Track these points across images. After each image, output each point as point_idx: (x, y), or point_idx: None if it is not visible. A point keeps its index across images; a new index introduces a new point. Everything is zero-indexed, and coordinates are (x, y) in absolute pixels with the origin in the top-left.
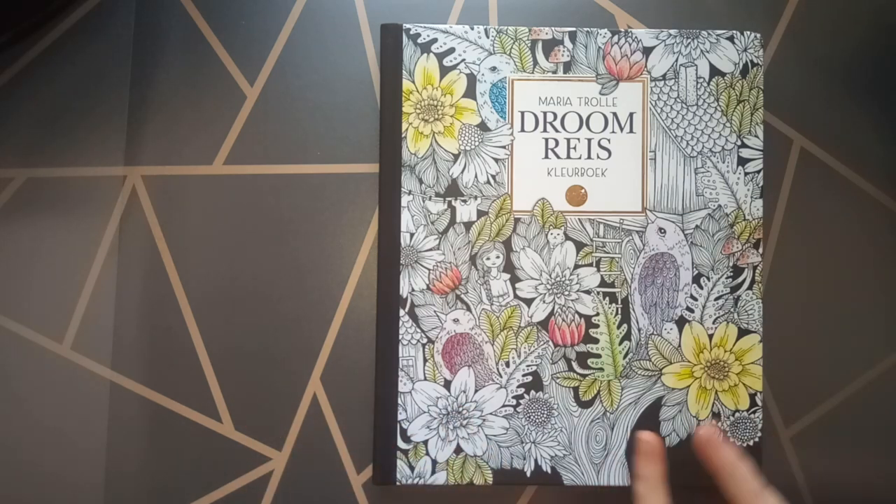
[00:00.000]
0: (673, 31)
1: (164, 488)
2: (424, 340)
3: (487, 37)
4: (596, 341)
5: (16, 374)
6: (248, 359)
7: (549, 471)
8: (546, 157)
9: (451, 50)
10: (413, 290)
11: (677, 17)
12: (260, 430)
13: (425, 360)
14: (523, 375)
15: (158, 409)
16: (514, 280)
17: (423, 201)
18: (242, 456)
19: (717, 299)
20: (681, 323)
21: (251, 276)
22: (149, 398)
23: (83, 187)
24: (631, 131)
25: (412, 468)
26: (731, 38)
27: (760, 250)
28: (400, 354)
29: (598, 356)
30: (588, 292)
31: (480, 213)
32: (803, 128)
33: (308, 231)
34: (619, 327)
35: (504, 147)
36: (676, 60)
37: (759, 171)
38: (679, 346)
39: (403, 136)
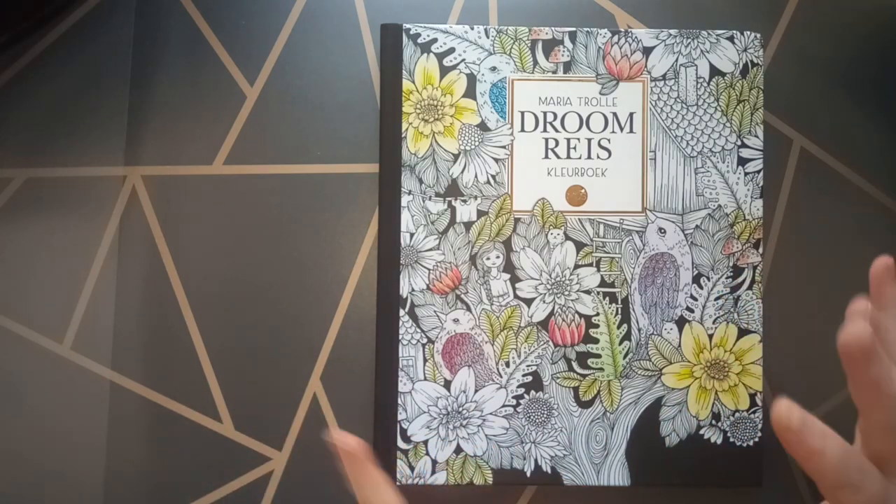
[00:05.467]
0: (673, 31)
1: (164, 488)
2: (424, 340)
3: (487, 37)
4: (596, 341)
5: (16, 374)
6: (248, 359)
7: (549, 471)
8: (546, 157)
9: (451, 50)
10: (413, 290)
11: (677, 17)
12: (260, 430)
13: (425, 360)
14: (523, 375)
15: (158, 409)
16: (514, 280)
17: (423, 201)
18: (242, 456)
19: (717, 299)
20: (681, 323)
21: (251, 276)
22: (149, 398)
23: (83, 187)
24: (631, 131)
25: (412, 468)
26: (731, 38)
27: (760, 250)
28: (400, 354)
29: (598, 356)
30: (588, 292)
31: (480, 213)
32: (803, 128)
33: (308, 231)
34: (619, 327)
35: (504, 147)
36: (676, 60)
37: (759, 171)
38: (679, 346)
39: (403, 136)
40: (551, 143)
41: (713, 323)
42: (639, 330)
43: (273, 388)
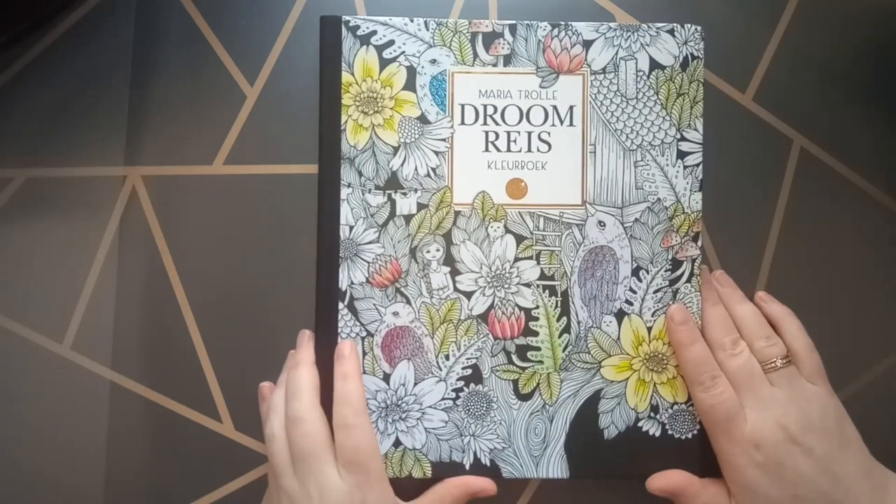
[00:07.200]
0: (613, 25)
1: (164, 488)
2: (364, 334)
3: (427, 29)
4: (535, 334)
5: (16, 374)
6: (248, 359)
7: (488, 463)
8: (486, 150)
9: (391, 42)
10: (352, 283)
11: (677, 13)
12: (260, 430)
13: (364, 354)
14: (463, 368)
15: (158, 409)
16: (454, 273)
17: (363, 194)
18: (242, 456)
19: (655, 292)
20: (620, 316)
21: (251, 275)
22: (149, 398)
23: (83, 187)
24: (571, 124)
25: None
26: (671, 32)
27: (699, 243)
28: None
29: (538, 349)
30: (528, 285)
31: (420, 206)
32: (803, 128)
33: (307, 231)
34: (558, 320)
35: (444, 140)
36: (616, 54)
37: (698, 165)
38: (618, 338)
39: (343, 128)
40: (491, 136)
41: (652, 316)
42: (578, 323)
43: None
